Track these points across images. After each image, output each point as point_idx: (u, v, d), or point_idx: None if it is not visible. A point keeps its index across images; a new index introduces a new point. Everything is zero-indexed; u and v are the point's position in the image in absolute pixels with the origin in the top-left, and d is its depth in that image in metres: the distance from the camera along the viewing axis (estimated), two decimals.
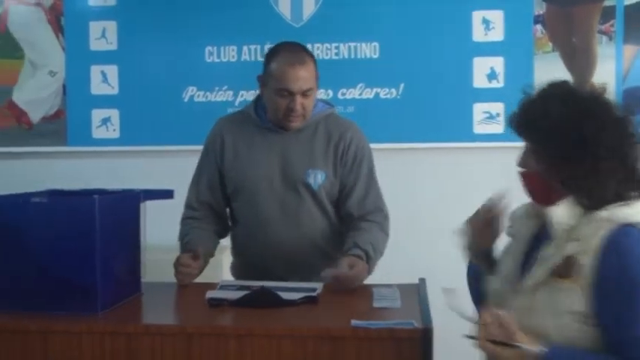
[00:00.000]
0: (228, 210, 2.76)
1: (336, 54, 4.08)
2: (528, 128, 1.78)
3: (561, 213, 1.74)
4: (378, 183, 2.69)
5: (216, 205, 2.71)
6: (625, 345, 1.62)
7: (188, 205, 2.73)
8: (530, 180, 1.82)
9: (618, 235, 1.66)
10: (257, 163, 2.62)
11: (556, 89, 1.78)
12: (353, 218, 2.62)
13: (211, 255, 2.68)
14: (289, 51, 2.57)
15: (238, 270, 2.79)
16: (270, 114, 2.61)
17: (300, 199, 2.60)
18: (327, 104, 2.75)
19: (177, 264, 2.49)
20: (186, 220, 2.72)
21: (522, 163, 1.82)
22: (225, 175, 2.67)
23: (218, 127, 2.73)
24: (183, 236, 2.67)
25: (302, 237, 2.61)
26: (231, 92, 4.14)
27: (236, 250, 2.79)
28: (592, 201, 1.71)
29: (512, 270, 1.89)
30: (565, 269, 1.68)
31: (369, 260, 2.49)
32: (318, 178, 2.60)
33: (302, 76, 2.51)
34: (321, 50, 4.05)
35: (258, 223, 2.63)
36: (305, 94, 2.53)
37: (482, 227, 2.01)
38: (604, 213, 1.69)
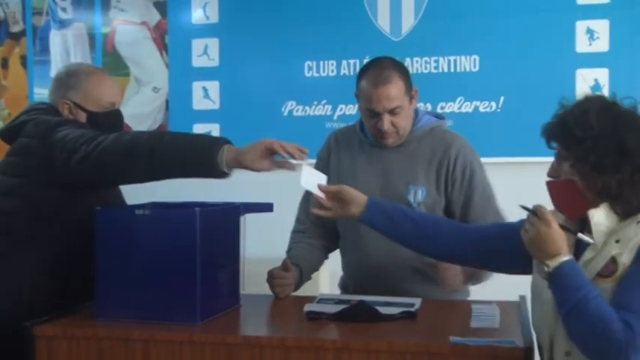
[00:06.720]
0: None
1: (435, 67, 4.06)
2: (568, 138, 1.86)
3: (599, 218, 1.83)
4: (495, 196, 2.61)
5: (325, 218, 2.64)
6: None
7: (297, 219, 2.76)
8: (561, 189, 1.89)
9: None
10: (358, 180, 2.56)
11: (595, 102, 1.89)
12: None
13: (315, 269, 2.69)
14: (375, 68, 2.51)
15: (344, 285, 2.76)
16: (368, 131, 2.61)
17: None
18: (435, 117, 2.67)
19: (271, 277, 2.51)
20: (293, 234, 2.74)
21: (554, 172, 1.91)
22: None
23: (328, 140, 2.74)
24: (288, 250, 2.70)
25: (398, 258, 2.51)
26: (329, 106, 4.17)
27: (342, 265, 2.76)
28: (627, 209, 1.81)
29: None
30: (607, 269, 1.78)
31: None
32: (418, 194, 2.53)
33: (386, 95, 2.45)
34: (420, 64, 4.05)
35: (356, 242, 2.60)
36: (393, 112, 2.48)
37: None
38: None
